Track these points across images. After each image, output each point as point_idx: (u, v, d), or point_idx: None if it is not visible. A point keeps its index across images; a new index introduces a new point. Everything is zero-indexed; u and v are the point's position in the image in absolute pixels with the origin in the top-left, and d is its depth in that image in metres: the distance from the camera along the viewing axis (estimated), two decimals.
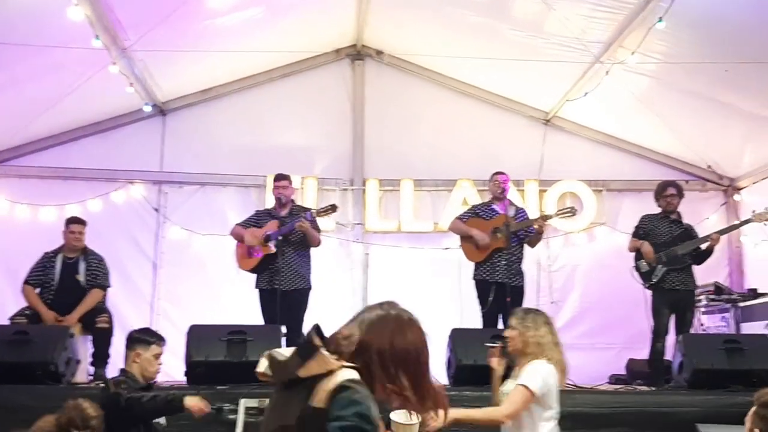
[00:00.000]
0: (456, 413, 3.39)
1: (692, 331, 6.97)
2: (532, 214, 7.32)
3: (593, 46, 7.20)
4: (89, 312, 6.35)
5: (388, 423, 2.78)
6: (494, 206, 6.94)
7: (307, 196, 8.49)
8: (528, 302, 6.97)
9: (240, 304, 7.23)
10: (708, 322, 7.88)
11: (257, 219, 6.91)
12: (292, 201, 7.00)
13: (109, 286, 6.69)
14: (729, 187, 8.88)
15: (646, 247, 6.71)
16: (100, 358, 6.27)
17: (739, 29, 6.15)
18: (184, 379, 5.63)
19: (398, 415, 3.15)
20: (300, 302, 6.60)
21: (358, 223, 8.74)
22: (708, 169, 8.86)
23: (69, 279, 6.50)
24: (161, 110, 8.77)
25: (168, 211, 8.59)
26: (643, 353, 6.88)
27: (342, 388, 1.98)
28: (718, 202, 8.90)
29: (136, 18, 6.79)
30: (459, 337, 5.83)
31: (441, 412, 2.18)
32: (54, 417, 3.09)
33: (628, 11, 6.53)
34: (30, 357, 5.37)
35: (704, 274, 7.41)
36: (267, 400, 4.76)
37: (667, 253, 6.63)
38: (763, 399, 3.05)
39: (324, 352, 2.04)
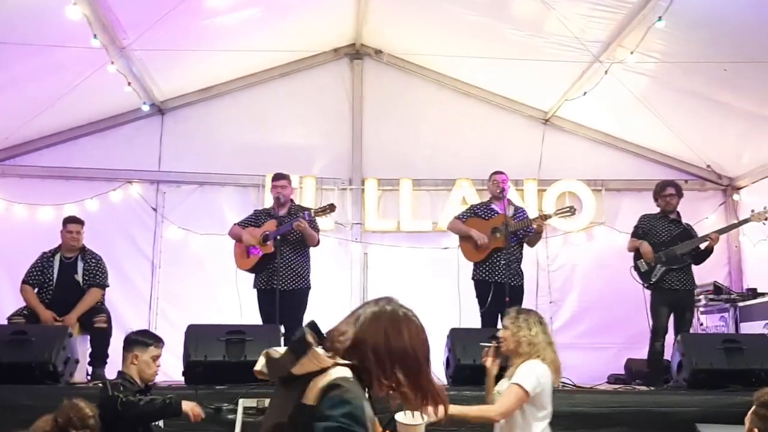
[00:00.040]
0: (450, 409, 3.40)
1: (691, 330, 6.97)
2: (531, 213, 7.31)
3: (592, 45, 7.19)
4: (87, 312, 6.35)
5: (388, 422, 2.77)
6: (493, 206, 6.94)
7: (305, 196, 8.48)
8: (527, 302, 6.97)
9: (238, 303, 7.22)
10: (707, 321, 7.89)
11: (255, 219, 6.89)
12: (291, 201, 6.99)
13: (107, 286, 6.68)
14: (728, 187, 8.88)
15: (645, 246, 6.71)
16: (99, 357, 6.27)
17: (739, 29, 6.14)
18: (183, 378, 5.62)
19: (403, 416, 3.14)
20: (299, 302, 6.59)
21: (356, 223, 8.74)
22: (707, 169, 8.86)
23: (67, 279, 6.50)
24: (159, 109, 8.76)
25: (166, 210, 8.59)
26: (642, 353, 6.88)
27: (332, 386, 1.97)
28: (717, 202, 8.90)
29: (135, 17, 6.78)
30: (458, 337, 5.82)
31: (441, 408, 2.15)
32: (51, 417, 3.08)
33: (628, 11, 6.52)
34: (28, 357, 5.36)
35: (703, 274, 7.42)
36: (266, 400, 4.79)
37: (666, 252, 6.64)
38: (763, 399, 3.04)
39: (316, 349, 2.03)
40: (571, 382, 6.18)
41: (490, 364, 4.05)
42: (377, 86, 9.06)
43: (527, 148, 8.88)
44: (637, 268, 6.81)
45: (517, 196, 8.34)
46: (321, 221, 7.14)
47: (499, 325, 6.18)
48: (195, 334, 5.67)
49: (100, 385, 4.47)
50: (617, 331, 8.22)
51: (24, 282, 6.47)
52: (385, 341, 2.07)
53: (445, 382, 5.81)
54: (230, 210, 8.37)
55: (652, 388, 6.27)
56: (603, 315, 8.42)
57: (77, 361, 5.83)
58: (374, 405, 2.22)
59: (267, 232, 6.60)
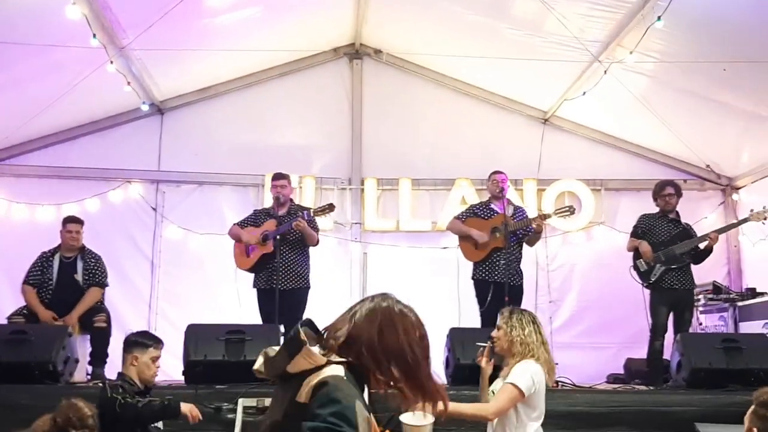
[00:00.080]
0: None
1: (690, 330, 6.98)
2: (531, 213, 7.31)
3: (591, 45, 7.19)
4: (87, 311, 6.35)
5: (388, 421, 2.77)
6: (493, 206, 6.94)
7: (305, 195, 8.48)
8: (526, 301, 6.98)
9: (238, 303, 7.22)
10: (706, 321, 7.90)
11: (255, 218, 6.90)
12: (291, 200, 6.99)
13: (107, 285, 6.68)
14: (727, 187, 8.88)
15: (645, 246, 6.72)
16: (98, 357, 6.27)
17: (738, 29, 6.15)
18: (182, 378, 5.63)
19: (408, 417, 3.14)
20: (299, 301, 6.59)
21: (356, 223, 8.74)
22: (706, 169, 8.87)
23: (67, 278, 6.50)
24: (159, 109, 8.76)
25: (166, 210, 8.58)
26: (642, 352, 6.89)
27: (322, 384, 1.96)
28: (717, 202, 8.91)
29: (134, 17, 6.77)
30: (457, 337, 5.82)
31: (440, 404, 2.14)
32: (50, 417, 3.07)
33: (627, 10, 6.52)
34: (28, 356, 5.36)
35: (703, 274, 7.43)
36: (266, 400, 4.80)
37: (666, 252, 6.64)
38: (762, 398, 3.04)
39: (309, 347, 2.02)
40: (570, 382, 6.19)
41: (485, 364, 4.06)
42: (377, 86, 9.06)
43: (526, 147, 8.88)
44: (636, 267, 6.82)
45: (516, 196, 8.35)
46: (320, 221, 7.15)
47: None
48: (195, 334, 5.67)
49: (100, 385, 4.47)
50: (616, 331, 8.23)
51: (25, 282, 6.47)
52: (379, 337, 2.06)
53: (445, 382, 5.82)
54: (230, 210, 8.38)
55: (652, 388, 6.28)
56: (602, 314, 8.43)
57: (77, 361, 5.83)
58: (374, 403, 2.22)
59: (266, 232, 6.60)
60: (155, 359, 4.27)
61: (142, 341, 4.28)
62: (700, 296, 7.71)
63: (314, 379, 1.98)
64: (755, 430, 2.98)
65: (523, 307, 6.73)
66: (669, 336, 6.61)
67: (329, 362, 2.02)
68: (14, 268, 7.09)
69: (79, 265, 6.58)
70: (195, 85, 8.80)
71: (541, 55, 7.61)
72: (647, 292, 6.78)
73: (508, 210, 6.80)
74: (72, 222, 6.71)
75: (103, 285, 6.61)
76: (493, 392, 3.88)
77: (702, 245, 6.73)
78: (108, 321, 6.39)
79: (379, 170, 8.82)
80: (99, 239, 7.36)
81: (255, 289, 6.76)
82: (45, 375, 5.33)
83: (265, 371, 2.12)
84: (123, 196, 8.58)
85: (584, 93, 7.85)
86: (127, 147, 8.64)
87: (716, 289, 7.74)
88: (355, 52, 9.10)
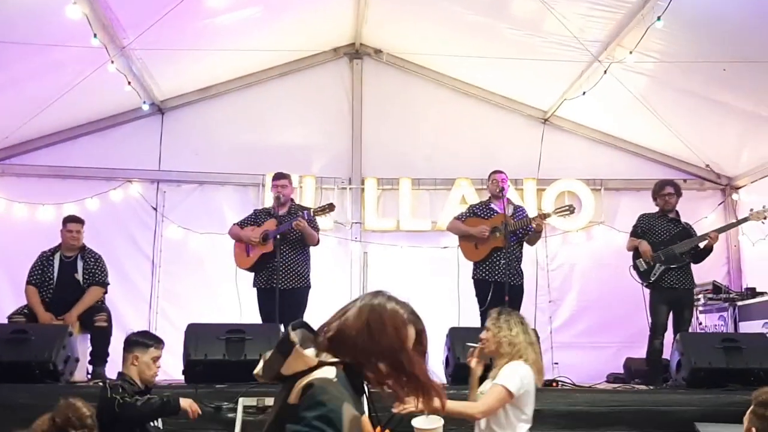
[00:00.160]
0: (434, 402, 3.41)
1: (690, 330, 6.98)
2: (531, 213, 7.31)
3: (591, 45, 7.20)
4: (88, 310, 6.36)
5: (388, 421, 2.77)
6: (492, 205, 6.95)
7: (305, 195, 8.48)
8: (526, 301, 6.99)
9: (238, 302, 7.22)
10: (706, 320, 7.90)
11: (255, 218, 6.90)
12: (291, 200, 7.00)
13: (107, 284, 6.69)
14: (727, 186, 8.89)
15: (644, 245, 6.73)
16: (99, 356, 6.28)
17: (737, 29, 6.15)
18: (183, 377, 5.63)
19: (420, 421, 3.15)
20: (299, 301, 6.59)
21: (356, 222, 8.74)
22: (706, 168, 8.87)
23: (67, 278, 6.51)
24: (159, 109, 8.76)
25: (166, 209, 8.59)
26: (641, 352, 6.90)
27: (309, 386, 1.95)
28: (716, 201, 8.91)
29: (134, 17, 6.78)
30: (457, 336, 5.82)
31: (436, 401, 2.11)
32: (49, 417, 3.08)
33: (627, 10, 6.53)
34: (28, 356, 5.37)
35: (702, 273, 7.45)
36: (266, 399, 4.81)
37: (665, 251, 6.65)
38: (761, 398, 3.05)
39: (299, 348, 2.01)
40: (570, 381, 6.20)
41: (474, 364, 4.07)
42: (377, 86, 9.06)
43: (526, 147, 8.88)
44: (636, 267, 6.83)
45: (516, 196, 8.35)
46: (321, 220, 7.15)
47: None
48: (195, 333, 5.68)
49: (100, 385, 4.48)
50: (616, 330, 8.23)
51: (28, 283, 6.48)
52: (366, 334, 2.04)
53: (445, 381, 5.82)
54: (230, 209, 8.38)
55: (651, 387, 6.29)
56: (602, 314, 8.43)
57: (77, 360, 5.84)
58: (374, 403, 2.22)
59: (267, 231, 6.61)
60: (156, 359, 4.27)
61: (143, 341, 4.29)
62: (700, 296, 7.71)
63: (304, 381, 1.97)
64: (754, 429, 2.99)
65: (523, 306, 6.81)
66: (669, 335, 6.62)
67: (321, 363, 2.01)
68: (14, 268, 7.11)
69: (80, 264, 6.58)
70: (195, 84, 8.81)
71: (541, 55, 7.62)
72: (647, 291, 6.79)
73: (508, 209, 6.80)
74: (72, 221, 6.72)
75: (103, 284, 6.61)
76: (482, 393, 3.89)
77: (702, 244, 6.74)
78: (108, 320, 6.40)
79: (379, 170, 8.82)
80: (99, 239, 7.37)
81: (255, 289, 6.77)
82: (45, 374, 5.33)
83: (263, 375, 2.12)
84: (123, 195, 8.59)
85: (584, 93, 7.84)
86: (128, 147, 8.64)
87: (716, 288, 7.75)
88: (355, 52, 9.10)
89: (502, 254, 6.64)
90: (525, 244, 6.97)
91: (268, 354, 2.11)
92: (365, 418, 2.05)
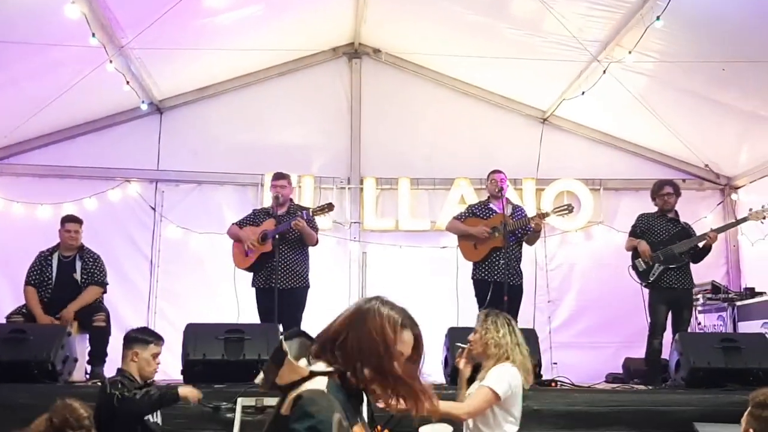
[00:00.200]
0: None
1: (689, 329, 6.98)
2: (530, 212, 7.31)
3: (591, 44, 7.19)
4: (86, 310, 6.35)
5: (387, 421, 2.77)
6: (491, 205, 6.94)
7: (304, 195, 8.48)
8: (525, 301, 6.99)
9: (237, 302, 7.22)
10: (705, 320, 7.90)
11: (254, 218, 6.90)
12: (291, 200, 6.99)
13: (106, 284, 6.68)
14: (726, 186, 8.88)
15: (643, 245, 6.72)
16: (97, 356, 6.28)
17: (737, 28, 6.15)
18: (181, 377, 5.63)
19: (428, 429, 3.16)
20: (297, 301, 6.60)
21: (355, 222, 8.74)
22: (705, 168, 8.87)
23: (66, 278, 6.51)
24: (158, 108, 8.75)
25: (165, 209, 8.58)
26: (640, 352, 6.90)
27: (299, 398, 1.95)
28: (715, 201, 8.91)
29: (133, 16, 6.77)
30: (456, 336, 5.80)
31: (423, 403, 2.08)
32: (46, 418, 3.07)
33: (626, 10, 6.52)
34: (27, 355, 5.37)
35: (701, 273, 7.44)
36: (264, 399, 4.81)
37: (664, 251, 6.65)
38: (757, 399, 3.06)
39: (290, 358, 2.01)
40: (569, 381, 6.20)
41: (463, 365, 4.08)
42: (375, 85, 9.05)
43: (525, 147, 8.88)
44: (635, 266, 6.83)
45: (515, 195, 8.34)
46: (319, 220, 7.15)
47: None
48: (194, 333, 5.68)
49: (99, 384, 4.47)
50: (615, 330, 8.23)
51: (26, 283, 6.47)
52: (351, 339, 2.03)
53: (444, 381, 5.82)
54: (229, 209, 8.38)
55: (650, 387, 6.29)
56: (601, 314, 8.43)
57: (76, 360, 5.84)
58: (373, 404, 2.21)
59: (266, 231, 6.60)
60: (156, 355, 4.28)
61: (142, 337, 4.29)
62: (699, 296, 7.71)
63: (295, 393, 1.97)
64: (752, 430, 2.99)
65: (522, 306, 6.81)
66: (668, 335, 6.62)
67: (312, 373, 2.00)
68: (13, 268, 7.10)
69: (78, 264, 6.58)
70: (194, 84, 8.80)
71: (540, 54, 7.61)
72: (646, 291, 6.79)
73: (507, 209, 6.80)
74: (71, 221, 6.71)
75: (102, 284, 6.61)
76: (471, 394, 3.90)
77: (701, 244, 6.74)
78: (107, 320, 6.40)
79: (378, 170, 8.82)
80: (98, 238, 7.36)
81: (254, 289, 6.76)
82: (44, 374, 5.33)
83: (262, 385, 2.12)
84: (122, 195, 8.58)
85: (583, 93, 7.84)
86: (126, 146, 8.63)
87: (715, 288, 7.75)
88: (354, 52, 9.10)
89: (502, 254, 6.63)
90: (524, 244, 6.97)
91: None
92: (357, 429, 2.04)
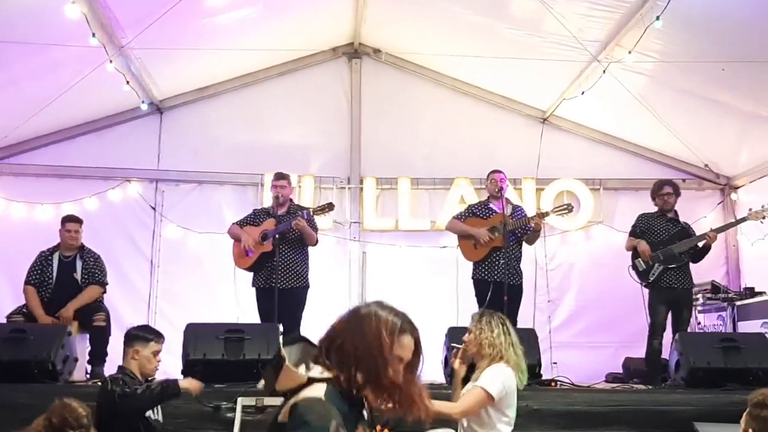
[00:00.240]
0: None
1: (689, 329, 6.98)
2: (530, 212, 7.32)
3: (590, 44, 7.20)
4: (86, 310, 6.35)
5: (387, 420, 2.77)
6: (491, 205, 6.94)
7: (304, 195, 8.48)
8: (525, 301, 6.99)
9: (237, 302, 7.23)
10: (705, 320, 7.91)
11: (254, 218, 6.91)
12: (291, 200, 7.00)
13: (106, 284, 6.68)
14: (726, 186, 8.89)
15: (643, 245, 6.73)
16: (98, 356, 6.28)
17: (736, 28, 6.15)
18: (181, 377, 5.62)
19: None
20: (297, 301, 6.60)
21: (355, 222, 8.74)
22: (705, 168, 8.88)
23: (66, 277, 6.51)
24: (158, 108, 8.75)
25: (165, 209, 8.58)
26: (640, 352, 6.90)
27: (295, 406, 1.95)
28: (715, 201, 8.91)
29: (133, 16, 6.78)
30: (456, 336, 5.80)
31: (418, 409, 2.08)
32: (44, 418, 3.07)
33: (626, 10, 6.53)
34: (27, 355, 5.36)
35: (701, 273, 7.45)
36: (264, 399, 4.80)
37: (664, 251, 6.66)
38: (756, 399, 3.07)
39: (288, 365, 2.00)
40: (568, 381, 6.20)
41: (458, 365, 4.08)
42: (375, 85, 9.06)
43: (525, 147, 8.88)
44: (634, 266, 6.83)
45: (515, 195, 8.35)
46: (320, 220, 7.16)
47: None
48: (194, 333, 5.69)
49: (100, 383, 4.47)
50: (615, 330, 8.24)
51: (26, 283, 6.47)
52: (349, 342, 2.02)
53: (444, 381, 5.82)
54: (229, 209, 8.38)
55: (650, 387, 6.29)
56: (601, 314, 8.44)
57: (76, 360, 5.84)
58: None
59: (266, 231, 6.61)
60: (156, 353, 4.29)
61: (143, 335, 4.30)
62: (699, 295, 7.72)
63: (292, 400, 1.97)
64: (751, 431, 3.00)
65: (522, 306, 6.82)
66: (668, 335, 6.63)
67: (310, 380, 1.99)
68: (13, 268, 7.10)
69: (79, 264, 6.58)
70: (194, 84, 8.80)
71: (540, 54, 7.62)
72: (646, 291, 6.79)
73: (506, 209, 6.81)
74: (71, 221, 6.71)
75: (102, 284, 6.61)
76: (464, 395, 3.90)
77: (700, 243, 6.74)
78: (107, 320, 6.40)
79: (378, 169, 8.82)
80: (98, 238, 7.37)
81: (254, 288, 6.76)
82: (44, 374, 5.33)
83: (264, 390, 2.12)
84: (122, 195, 8.58)
85: (583, 92, 7.84)
86: (126, 146, 8.63)
87: (715, 288, 7.75)
88: (354, 52, 9.10)
89: (501, 254, 6.64)
90: (524, 244, 6.97)
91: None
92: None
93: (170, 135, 8.77)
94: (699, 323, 7.88)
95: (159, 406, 4.25)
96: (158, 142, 8.72)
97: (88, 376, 6.20)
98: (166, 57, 7.62)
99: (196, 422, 4.85)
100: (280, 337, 5.83)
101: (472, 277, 6.86)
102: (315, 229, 6.78)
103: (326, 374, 2.01)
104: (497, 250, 6.68)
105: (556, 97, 8.58)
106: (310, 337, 2.19)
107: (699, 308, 7.85)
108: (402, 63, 9.09)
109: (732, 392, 5.27)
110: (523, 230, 6.85)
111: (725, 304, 7.60)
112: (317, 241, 6.82)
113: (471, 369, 4.08)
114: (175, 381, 4.20)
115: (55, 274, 6.51)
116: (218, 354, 5.55)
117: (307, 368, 2.02)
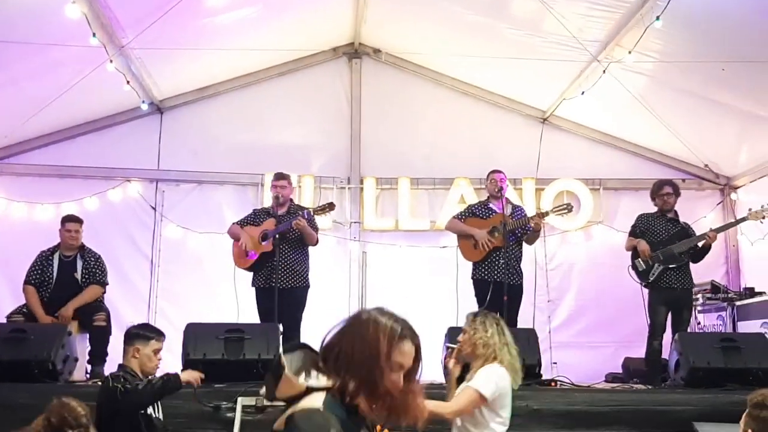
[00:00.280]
0: None
1: (689, 329, 6.99)
2: (530, 212, 7.32)
3: (590, 44, 7.20)
4: (87, 310, 6.36)
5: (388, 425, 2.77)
6: (491, 205, 6.95)
7: (304, 195, 8.49)
8: (525, 300, 6.99)
9: (237, 302, 7.22)
10: (705, 320, 7.91)
11: (255, 218, 6.91)
12: (291, 200, 7.00)
13: (107, 284, 6.69)
14: (726, 186, 8.89)
15: (643, 245, 6.73)
16: (98, 356, 6.28)
17: (736, 28, 6.15)
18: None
19: None
20: (297, 301, 6.60)
21: (355, 222, 8.74)
22: (705, 168, 8.88)
23: (66, 277, 6.51)
24: (158, 108, 8.75)
25: (165, 209, 8.59)
26: (640, 352, 6.90)
27: (291, 417, 1.93)
28: (715, 201, 8.91)
29: (133, 16, 6.78)
30: (455, 336, 5.80)
31: (413, 417, 2.04)
32: (43, 417, 3.07)
33: (625, 10, 6.53)
34: (27, 355, 5.37)
35: (701, 273, 7.44)
36: (264, 399, 4.80)
37: (664, 251, 6.66)
38: (755, 400, 3.07)
39: (287, 373, 1.97)
40: (568, 381, 6.20)
41: (452, 365, 4.09)
42: (375, 85, 9.06)
43: (525, 147, 8.88)
44: (634, 266, 6.83)
45: (515, 195, 8.35)
46: (320, 220, 7.17)
47: None
48: (194, 333, 5.69)
49: (101, 383, 4.47)
50: (615, 330, 8.24)
51: (26, 283, 6.47)
52: (347, 349, 1.99)
53: (443, 381, 5.81)
54: (229, 209, 8.38)
55: (650, 387, 6.29)
56: (600, 313, 8.44)
57: (76, 360, 5.84)
58: None
59: (266, 231, 6.61)
60: (157, 351, 4.29)
61: (143, 333, 4.30)
62: (699, 296, 7.72)
63: (290, 410, 1.95)
64: (750, 431, 3.00)
65: (522, 306, 6.82)
66: (667, 335, 6.63)
67: (309, 389, 1.96)
68: (13, 267, 7.11)
69: (79, 264, 6.58)
70: (194, 84, 8.80)
71: (540, 54, 7.62)
72: (646, 291, 6.79)
73: (506, 209, 6.81)
74: (71, 221, 6.71)
75: (102, 284, 6.62)
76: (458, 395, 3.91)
77: (700, 243, 6.74)
78: (107, 320, 6.40)
79: (378, 169, 8.82)
80: (98, 238, 7.37)
81: (254, 288, 6.77)
82: (44, 374, 5.33)
83: (266, 397, 2.10)
84: (122, 195, 8.59)
85: (583, 92, 7.85)
86: (127, 146, 8.64)
87: (714, 288, 7.76)
88: (354, 52, 9.10)
89: (501, 254, 6.64)
90: (524, 244, 6.97)
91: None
92: None
93: (170, 135, 8.78)
94: (699, 323, 7.89)
95: (160, 405, 4.26)
96: (158, 142, 8.72)
97: (88, 375, 6.20)
98: (166, 57, 7.62)
99: (196, 422, 4.85)
100: (280, 338, 5.83)
101: (472, 277, 6.87)
102: (315, 229, 6.78)
103: (326, 382, 1.98)
104: (497, 250, 6.68)
105: (556, 97, 8.58)
106: (311, 338, 2.18)
107: (699, 308, 7.85)
108: (402, 63, 9.09)
109: (732, 392, 5.27)
110: (523, 230, 6.85)
111: (725, 304, 7.60)
112: (317, 241, 6.82)
113: (466, 369, 4.08)
114: (176, 374, 4.20)
115: (55, 273, 6.51)
116: (218, 354, 5.56)
117: (308, 376, 1.99)
